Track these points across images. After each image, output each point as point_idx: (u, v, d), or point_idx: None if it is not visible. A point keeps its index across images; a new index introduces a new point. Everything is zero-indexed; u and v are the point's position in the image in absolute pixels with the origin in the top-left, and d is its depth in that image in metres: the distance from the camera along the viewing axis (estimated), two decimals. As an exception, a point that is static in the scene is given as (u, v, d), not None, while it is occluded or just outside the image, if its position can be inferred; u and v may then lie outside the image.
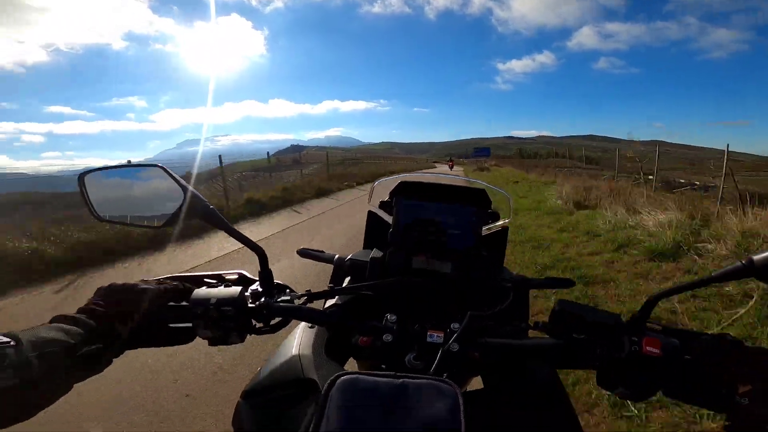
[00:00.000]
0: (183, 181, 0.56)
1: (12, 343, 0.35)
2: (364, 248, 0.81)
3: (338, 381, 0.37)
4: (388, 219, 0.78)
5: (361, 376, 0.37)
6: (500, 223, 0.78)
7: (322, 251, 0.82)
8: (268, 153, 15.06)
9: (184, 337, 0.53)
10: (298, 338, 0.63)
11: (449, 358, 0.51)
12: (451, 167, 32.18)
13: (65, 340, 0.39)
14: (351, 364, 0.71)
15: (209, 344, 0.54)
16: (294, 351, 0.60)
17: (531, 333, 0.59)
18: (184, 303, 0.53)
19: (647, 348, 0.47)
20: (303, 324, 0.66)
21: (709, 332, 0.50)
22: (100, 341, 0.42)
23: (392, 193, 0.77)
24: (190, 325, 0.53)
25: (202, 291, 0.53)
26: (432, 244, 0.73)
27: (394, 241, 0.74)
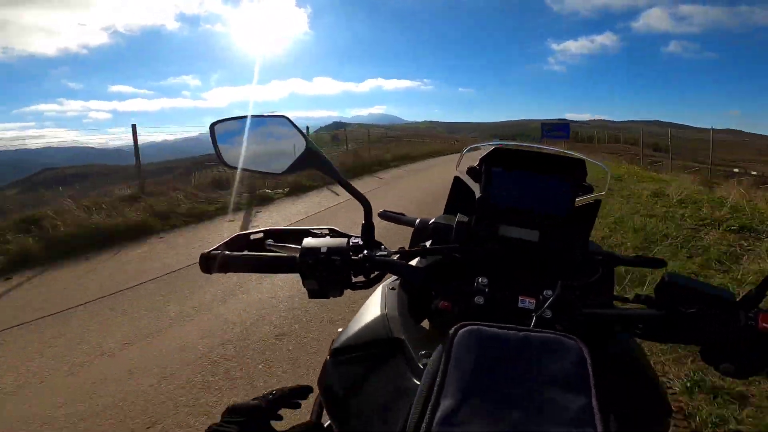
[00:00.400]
0: (305, 132, 0.57)
1: None
2: (445, 213, 0.80)
3: (462, 330, 0.37)
4: (474, 187, 0.76)
5: (483, 327, 0.37)
6: (594, 195, 0.76)
7: (403, 214, 0.82)
8: (307, 128, 14.90)
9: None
10: (383, 298, 0.63)
11: (541, 325, 0.49)
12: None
13: None
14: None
15: (309, 296, 0.55)
16: (381, 311, 0.60)
17: (630, 306, 0.57)
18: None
19: (763, 324, 0.45)
20: (385, 284, 0.67)
21: None
22: None
23: (482, 160, 0.75)
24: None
25: (311, 240, 0.54)
26: (522, 212, 0.72)
27: (482, 206, 0.73)
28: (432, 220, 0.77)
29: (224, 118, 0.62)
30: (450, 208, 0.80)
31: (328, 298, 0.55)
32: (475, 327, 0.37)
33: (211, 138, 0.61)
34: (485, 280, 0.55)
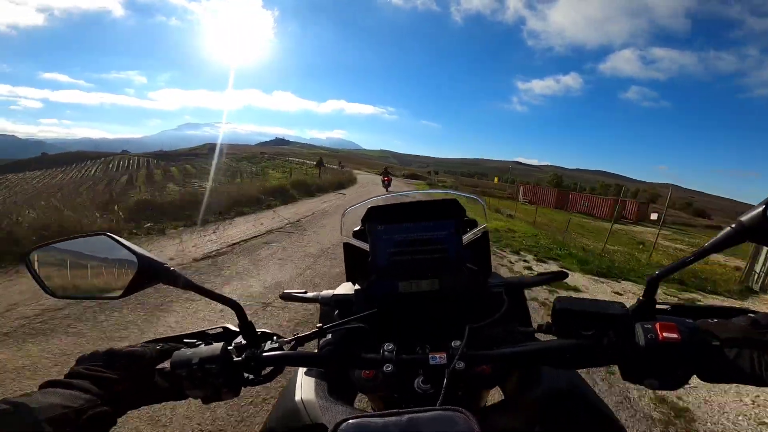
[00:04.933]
0: (134, 246, 0.53)
1: (11, 409, 0.37)
2: (347, 280, 0.80)
3: (340, 428, 0.35)
4: (365, 246, 0.76)
5: (365, 419, 0.36)
6: (478, 228, 0.78)
7: (305, 291, 0.82)
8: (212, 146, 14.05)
9: (177, 395, 0.52)
10: (299, 383, 0.61)
11: (458, 378, 0.50)
12: (388, 184, 20.10)
13: (70, 404, 0.40)
14: (362, 398, 0.72)
15: (203, 402, 0.52)
16: (296, 397, 0.58)
17: (540, 335, 0.58)
18: (166, 365, 0.51)
19: (664, 335, 0.44)
20: (300, 369, 0.65)
21: (721, 304, 0.52)
22: (106, 404, 0.43)
23: (364, 221, 0.76)
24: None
25: (182, 352, 0.52)
26: (414, 264, 0.72)
27: (375, 269, 0.73)
28: (332, 293, 0.77)
29: (40, 244, 0.56)
30: (350, 275, 0.79)
31: (222, 401, 0.52)
32: (358, 421, 0.36)
33: (28, 268, 0.55)
34: (390, 345, 0.55)
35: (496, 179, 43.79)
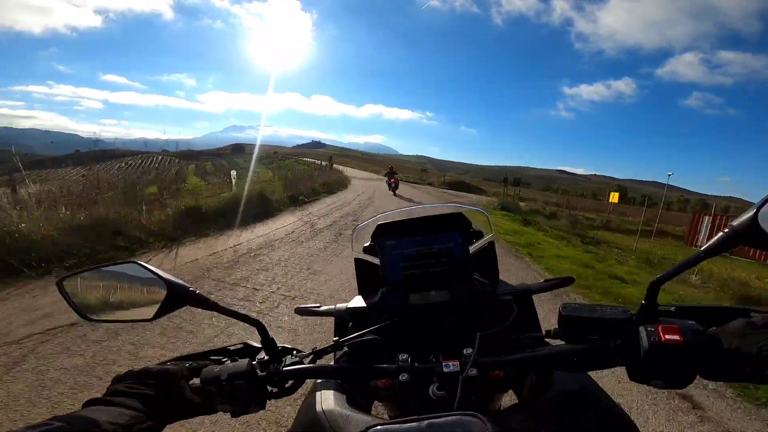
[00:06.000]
0: (162, 272, 0.56)
1: (68, 427, 0.39)
2: (359, 294, 0.83)
3: None
4: (376, 261, 0.79)
5: (389, 426, 0.38)
6: (485, 239, 0.81)
7: (319, 305, 0.83)
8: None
9: (208, 410, 0.54)
10: (318, 395, 0.63)
11: (472, 383, 0.52)
12: (395, 187, 16.87)
13: (118, 421, 0.42)
14: (379, 407, 0.72)
15: (232, 416, 0.54)
16: (317, 408, 0.59)
17: (549, 341, 0.60)
18: (196, 381, 0.53)
19: (666, 337, 0.46)
20: (318, 381, 0.67)
21: (724, 305, 0.52)
22: (149, 419, 0.46)
23: (373, 237, 0.79)
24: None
25: (210, 369, 0.54)
26: (424, 276, 0.75)
27: (386, 282, 0.76)
28: (346, 307, 0.78)
29: (70, 273, 0.60)
30: (362, 288, 0.83)
31: (249, 414, 0.55)
32: (384, 428, 0.37)
33: (62, 294, 0.58)
34: (405, 355, 0.57)
35: (614, 196, 18.84)
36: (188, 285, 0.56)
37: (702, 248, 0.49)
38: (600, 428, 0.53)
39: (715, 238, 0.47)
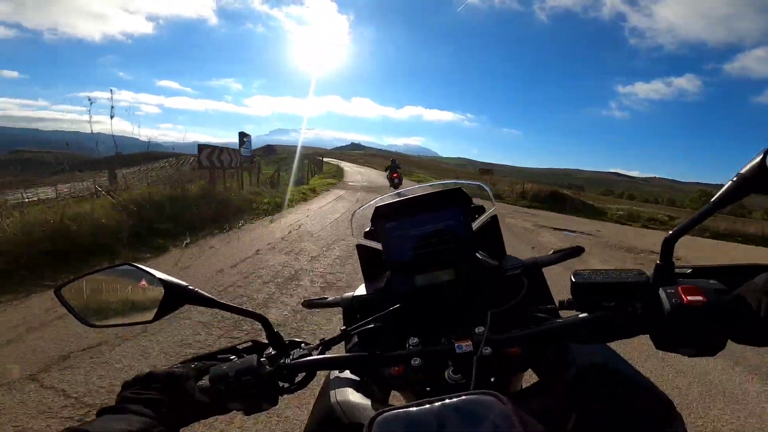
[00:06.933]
0: (156, 272, 0.55)
1: None
2: (364, 281, 0.83)
3: (376, 422, 0.36)
4: (378, 246, 0.78)
5: (398, 411, 0.36)
6: (487, 213, 0.79)
7: (326, 297, 0.82)
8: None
9: (219, 410, 0.54)
10: (332, 387, 0.62)
11: (487, 363, 0.50)
12: (398, 182, 15.88)
13: (131, 428, 0.42)
14: (397, 397, 0.73)
15: (245, 414, 0.54)
16: (332, 399, 0.59)
17: (563, 313, 0.58)
18: (205, 382, 0.53)
19: (688, 298, 0.42)
20: (331, 371, 0.66)
21: (744, 263, 0.48)
22: (161, 424, 0.46)
23: (373, 220, 0.78)
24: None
25: (218, 368, 0.53)
26: (427, 256, 0.73)
27: (389, 266, 0.75)
28: (352, 295, 0.77)
29: (66, 280, 0.60)
30: (367, 274, 0.82)
31: (262, 411, 0.54)
32: (391, 413, 0.36)
33: (62, 303, 0.58)
34: (415, 339, 0.57)
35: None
36: (185, 284, 0.56)
37: (711, 200, 0.46)
38: (626, 400, 0.49)
39: (724, 188, 0.45)
